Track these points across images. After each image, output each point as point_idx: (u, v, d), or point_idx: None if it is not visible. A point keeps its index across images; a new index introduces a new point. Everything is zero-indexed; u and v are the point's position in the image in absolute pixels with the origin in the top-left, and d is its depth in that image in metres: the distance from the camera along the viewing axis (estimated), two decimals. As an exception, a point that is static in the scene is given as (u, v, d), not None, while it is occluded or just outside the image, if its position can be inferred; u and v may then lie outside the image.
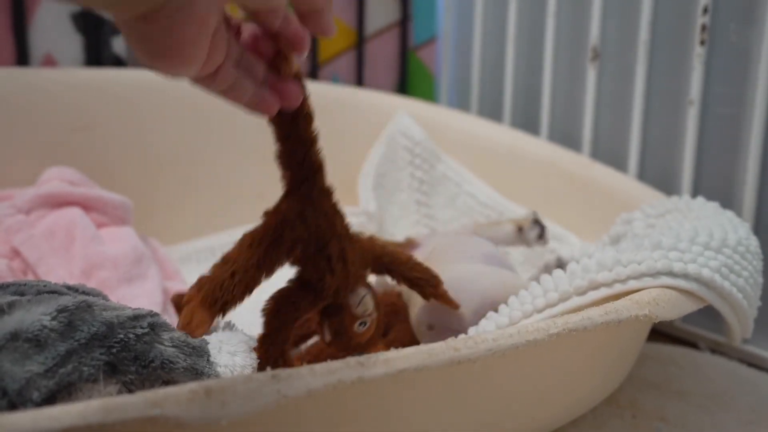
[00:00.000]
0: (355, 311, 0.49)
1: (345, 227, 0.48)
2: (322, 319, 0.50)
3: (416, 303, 0.62)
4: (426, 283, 0.55)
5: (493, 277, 0.61)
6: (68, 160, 0.82)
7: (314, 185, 0.47)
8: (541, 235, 0.76)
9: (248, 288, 0.46)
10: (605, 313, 0.47)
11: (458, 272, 0.62)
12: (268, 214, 0.48)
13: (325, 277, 0.47)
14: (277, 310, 0.48)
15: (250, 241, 0.47)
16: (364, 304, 0.49)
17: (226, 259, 0.47)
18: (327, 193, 0.48)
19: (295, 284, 0.48)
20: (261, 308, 0.48)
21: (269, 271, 0.47)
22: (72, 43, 0.91)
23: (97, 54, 0.92)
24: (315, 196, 0.47)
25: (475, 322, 0.56)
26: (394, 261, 0.53)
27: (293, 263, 0.47)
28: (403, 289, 0.64)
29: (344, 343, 0.50)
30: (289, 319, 0.47)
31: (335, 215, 0.48)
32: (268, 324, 0.48)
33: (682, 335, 0.81)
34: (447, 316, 0.58)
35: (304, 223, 0.46)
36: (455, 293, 0.57)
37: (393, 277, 0.54)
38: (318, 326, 0.50)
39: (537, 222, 0.76)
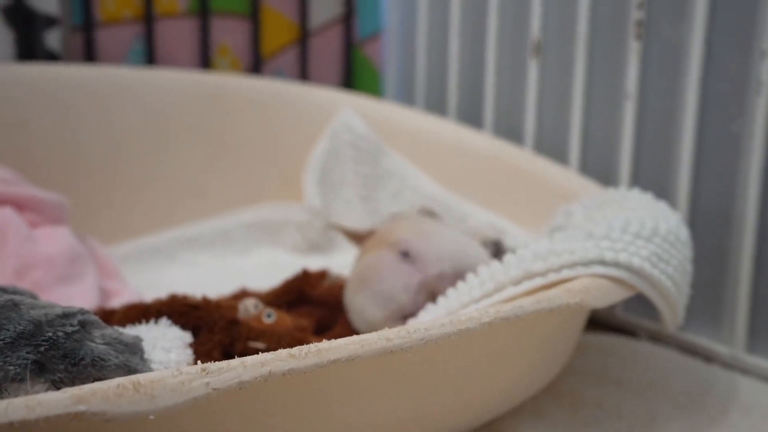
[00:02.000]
0: (240, 317, 0.58)
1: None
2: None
3: (386, 237, 0.63)
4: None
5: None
6: (0, 157, 0.79)
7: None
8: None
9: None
10: (537, 302, 0.47)
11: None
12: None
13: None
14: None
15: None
16: (245, 310, 0.59)
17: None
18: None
19: None
20: None
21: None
22: (2, 37, 0.88)
23: (29, 49, 0.89)
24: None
25: (456, 256, 0.59)
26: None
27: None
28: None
29: (267, 335, 0.57)
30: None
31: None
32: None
33: (622, 325, 0.83)
34: (425, 245, 0.60)
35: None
36: (426, 237, 0.61)
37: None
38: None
39: (498, 247, 0.72)
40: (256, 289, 0.72)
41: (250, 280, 0.76)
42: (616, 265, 0.53)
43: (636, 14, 0.78)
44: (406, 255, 0.60)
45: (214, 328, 0.56)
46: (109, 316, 0.57)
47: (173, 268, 0.87)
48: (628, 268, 0.54)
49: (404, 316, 0.60)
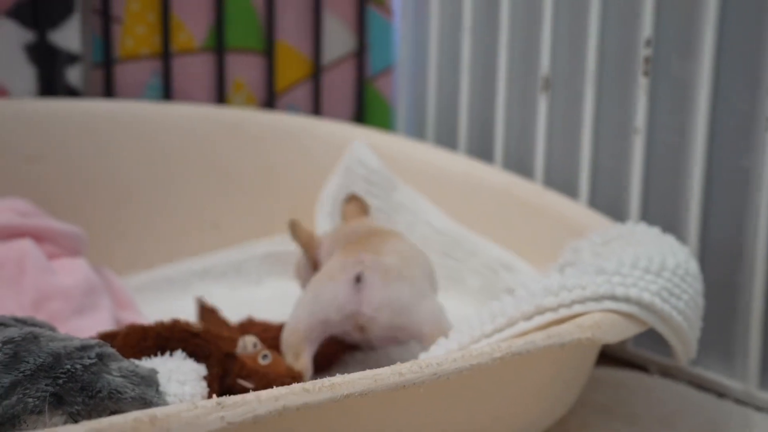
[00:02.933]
0: (237, 353, 0.59)
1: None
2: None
3: (361, 244, 0.65)
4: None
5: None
6: (21, 191, 0.81)
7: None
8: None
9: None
10: (548, 337, 0.48)
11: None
12: None
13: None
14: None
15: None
16: (244, 347, 0.60)
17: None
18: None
19: None
20: None
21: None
22: (25, 73, 0.91)
23: (50, 85, 0.92)
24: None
25: (398, 314, 0.61)
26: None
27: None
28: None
29: (259, 376, 0.58)
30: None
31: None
32: None
33: (634, 359, 0.83)
34: (379, 285, 0.61)
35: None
36: (388, 276, 0.62)
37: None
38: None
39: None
40: (263, 320, 0.73)
41: (263, 311, 0.77)
42: (627, 300, 0.54)
43: (644, 51, 0.79)
44: (358, 280, 0.61)
45: (210, 359, 0.57)
46: (110, 339, 0.58)
47: (187, 298, 0.88)
48: (639, 303, 0.54)
49: (329, 334, 0.63)
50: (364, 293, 0.60)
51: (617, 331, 0.53)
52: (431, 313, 0.62)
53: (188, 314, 0.82)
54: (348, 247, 0.66)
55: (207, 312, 0.66)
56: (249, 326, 0.71)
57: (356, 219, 0.75)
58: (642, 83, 0.80)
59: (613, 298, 0.54)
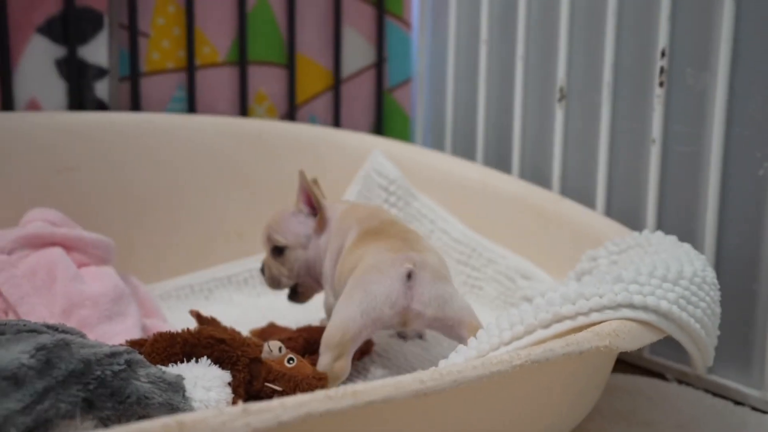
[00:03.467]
0: (263, 358, 0.61)
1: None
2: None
3: (412, 242, 0.66)
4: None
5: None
6: (51, 201, 0.83)
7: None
8: None
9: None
10: (566, 345, 0.49)
11: None
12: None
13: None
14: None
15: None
16: (269, 351, 0.61)
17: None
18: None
19: None
20: None
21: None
22: (56, 87, 0.93)
23: (80, 98, 0.94)
24: None
25: (442, 309, 0.63)
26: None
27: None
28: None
29: (286, 378, 0.60)
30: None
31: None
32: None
33: (651, 366, 0.83)
34: (429, 281, 0.63)
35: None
36: (437, 275, 0.64)
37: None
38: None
39: None
40: (284, 326, 0.75)
41: (284, 318, 0.78)
42: (645, 308, 0.55)
43: (659, 62, 0.80)
44: (410, 277, 0.63)
45: (237, 364, 0.58)
46: (138, 346, 0.60)
47: (210, 305, 0.90)
48: (657, 312, 0.55)
49: (376, 332, 0.64)
50: (414, 290, 0.63)
51: (635, 339, 0.53)
52: (467, 306, 0.65)
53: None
54: (372, 234, 0.68)
55: (206, 322, 0.67)
56: (271, 332, 0.73)
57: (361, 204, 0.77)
58: (658, 93, 0.81)
59: (631, 306, 0.55)
